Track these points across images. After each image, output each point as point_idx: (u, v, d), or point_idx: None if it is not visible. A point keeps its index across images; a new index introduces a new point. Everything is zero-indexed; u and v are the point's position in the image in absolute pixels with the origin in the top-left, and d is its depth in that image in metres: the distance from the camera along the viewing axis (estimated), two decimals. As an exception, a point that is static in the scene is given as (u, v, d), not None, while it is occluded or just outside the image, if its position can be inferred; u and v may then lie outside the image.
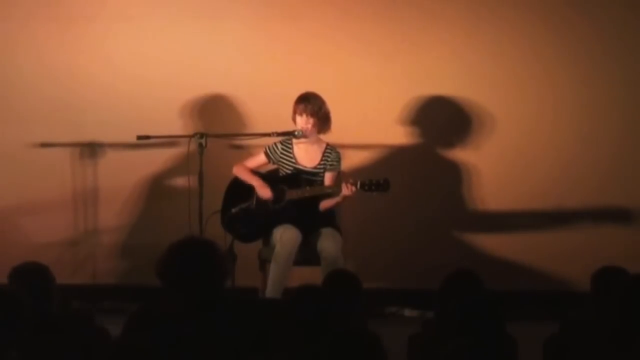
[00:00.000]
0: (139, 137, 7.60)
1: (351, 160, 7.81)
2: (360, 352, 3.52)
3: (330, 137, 7.90)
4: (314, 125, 6.24)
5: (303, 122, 6.19)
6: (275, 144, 6.40)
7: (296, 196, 5.52)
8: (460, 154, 7.92)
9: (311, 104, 6.12)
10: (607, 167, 7.83)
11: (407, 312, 6.72)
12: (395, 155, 7.90)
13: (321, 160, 6.38)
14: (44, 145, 8.00)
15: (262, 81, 7.87)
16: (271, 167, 7.25)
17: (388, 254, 7.58)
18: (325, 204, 5.69)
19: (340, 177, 6.35)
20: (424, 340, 4.45)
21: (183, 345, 4.27)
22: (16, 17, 7.96)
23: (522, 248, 7.81)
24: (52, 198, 7.99)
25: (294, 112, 6.50)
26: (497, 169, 7.89)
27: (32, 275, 4.76)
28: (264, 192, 5.85)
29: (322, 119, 6.28)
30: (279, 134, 6.15)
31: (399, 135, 7.90)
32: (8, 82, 7.99)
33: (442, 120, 7.90)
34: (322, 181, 6.05)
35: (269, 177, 6.37)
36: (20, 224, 7.97)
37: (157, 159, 8.00)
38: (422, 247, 7.88)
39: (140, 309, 5.00)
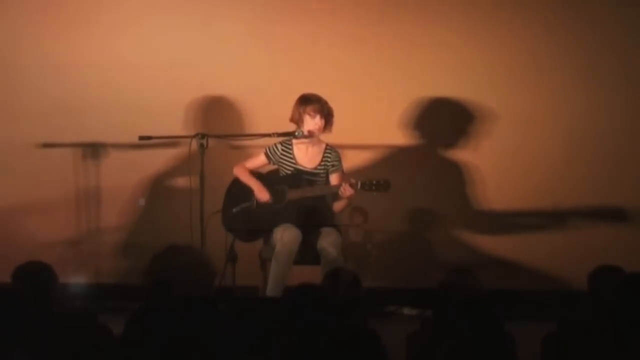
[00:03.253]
0: (141, 138, 7.65)
1: (351, 160, 7.87)
2: (360, 350, 3.53)
3: (331, 137, 7.97)
4: (321, 125, 6.29)
5: (315, 123, 6.16)
6: (275, 144, 6.43)
7: (297, 196, 5.52)
8: (460, 155, 7.94)
9: (319, 103, 6.13)
10: (605, 167, 7.85)
11: (406, 311, 6.68)
12: (395, 156, 7.92)
13: (322, 160, 6.41)
14: (47, 145, 8.03)
15: (262, 82, 7.90)
16: (271, 167, 7.30)
17: (388, 253, 7.59)
18: (338, 206, 5.86)
19: (344, 177, 6.46)
20: (423, 338, 4.48)
21: (183, 344, 4.30)
22: (19, 19, 7.99)
23: (521, 248, 7.82)
24: (55, 198, 8.01)
25: (302, 113, 6.43)
26: (496, 169, 7.91)
27: (35, 274, 4.79)
28: (262, 195, 5.86)
29: (329, 119, 6.32)
30: (279, 135, 6.18)
31: (399, 135, 7.93)
32: (11, 83, 8.01)
33: (441, 121, 7.93)
34: (324, 181, 6.13)
35: (270, 178, 6.40)
36: (24, 224, 7.99)
37: (159, 159, 8.03)
38: (422, 246, 7.92)
39: (142, 308, 5.04)
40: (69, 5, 8.02)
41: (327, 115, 6.07)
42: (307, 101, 6.16)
